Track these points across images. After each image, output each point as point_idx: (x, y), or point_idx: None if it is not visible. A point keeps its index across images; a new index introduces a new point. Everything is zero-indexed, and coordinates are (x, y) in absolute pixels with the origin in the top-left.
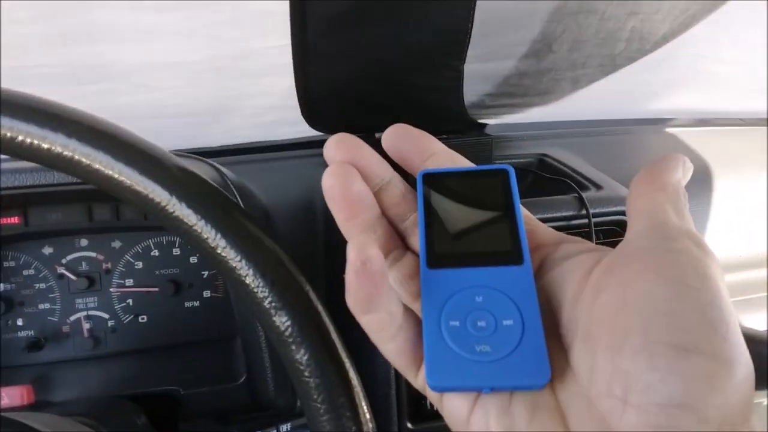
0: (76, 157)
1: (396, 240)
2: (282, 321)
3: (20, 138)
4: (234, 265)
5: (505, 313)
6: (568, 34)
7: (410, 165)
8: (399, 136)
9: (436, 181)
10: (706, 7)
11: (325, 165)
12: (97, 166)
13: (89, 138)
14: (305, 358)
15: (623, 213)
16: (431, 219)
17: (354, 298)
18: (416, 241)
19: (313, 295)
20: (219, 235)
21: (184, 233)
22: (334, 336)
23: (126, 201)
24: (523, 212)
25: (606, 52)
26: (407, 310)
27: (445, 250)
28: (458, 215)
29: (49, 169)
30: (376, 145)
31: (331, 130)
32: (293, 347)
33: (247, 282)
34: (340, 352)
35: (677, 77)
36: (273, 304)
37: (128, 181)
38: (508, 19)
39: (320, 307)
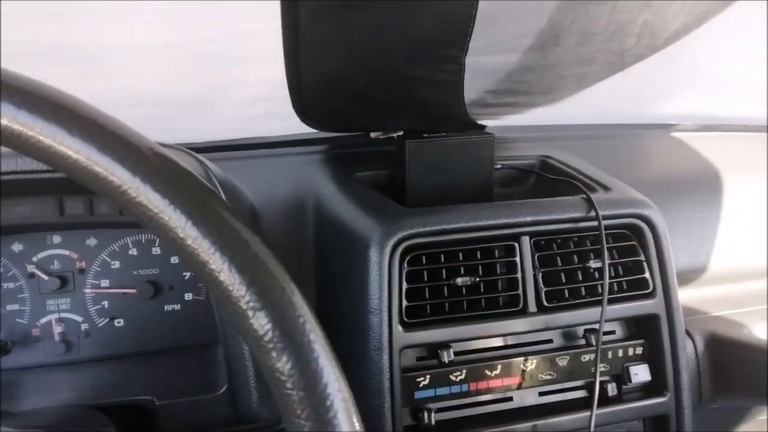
0: (26, 132)
1: None
2: (261, 324)
3: None
4: (206, 258)
5: None
6: (576, 25)
7: None
8: None
9: None
10: (721, 4)
11: (317, 161)
12: (49, 141)
13: (42, 110)
14: (287, 367)
15: (634, 216)
16: None
17: None
18: None
19: (297, 296)
20: (190, 223)
21: (149, 221)
22: (322, 341)
23: (83, 184)
24: None
25: (615, 48)
26: None
27: None
28: None
29: (10, 156)
30: (372, 143)
31: (324, 126)
32: (274, 354)
33: (221, 279)
34: (328, 359)
35: (682, 79)
36: (251, 304)
37: (84, 160)
38: (515, 8)
39: (306, 309)
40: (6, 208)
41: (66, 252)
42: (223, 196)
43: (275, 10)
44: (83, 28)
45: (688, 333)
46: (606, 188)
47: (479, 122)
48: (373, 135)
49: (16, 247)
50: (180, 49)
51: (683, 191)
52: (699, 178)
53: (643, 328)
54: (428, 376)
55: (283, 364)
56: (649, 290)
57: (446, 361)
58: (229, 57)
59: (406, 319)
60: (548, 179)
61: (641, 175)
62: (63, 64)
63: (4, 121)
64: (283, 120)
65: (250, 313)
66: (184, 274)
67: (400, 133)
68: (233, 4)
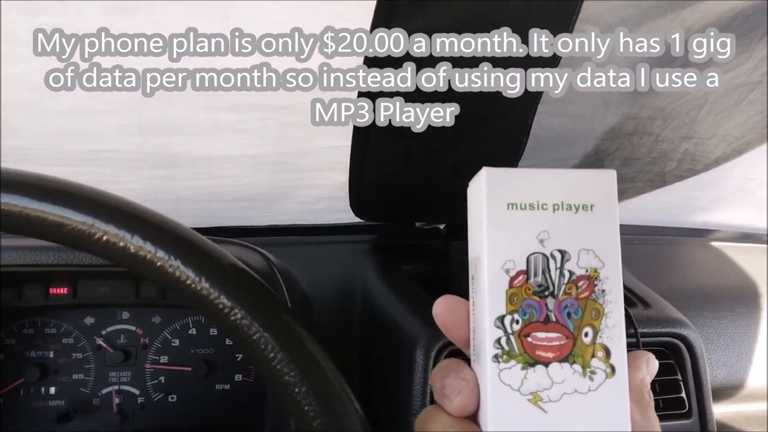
0: (148, 257)
1: None
2: None
3: (98, 235)
4: (288, 379)
5: None
6: (620, 151)
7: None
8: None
9: None
10: (761, 136)
11: (365, 251)
12: (168, 268)
13: (164, 242)
14: None
15: (672, 335)
16: None
17: None
18: None
19: (358, 417)
20: (277, 348)
21: (241, 341)
22: None
23: (190, 303)
24: None
25: (657, 170)
26: None
27: None
28: None
29: None
30: (416, 235)
31: (375, 218)
32: None
33: (299, 399)
34: None
35: (724, 195)
36: (324, 426)
37: (195, 285)
38: (564, 136)
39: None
40: (88, 288)
41: (132, 328)
42: (284, 286)
43: (344, 132)
44: (181, 142)
45: None
46: (645, 304)
47: None
48: (417, 224)
49: (88, 320)
50: (258, 159)
51: (721, 304)
52: (737, 291)
53: None
54: None
55: None
56: (685, 410)
57: None
58: (299, 166)
59: None
60: None
61: (678, 284)
62: (160, 168)
63: (132, 249)
64: (337, 213)
65: (319, 427)
66: (237, 355)
67: (443, 225)
68: (311, 128)
